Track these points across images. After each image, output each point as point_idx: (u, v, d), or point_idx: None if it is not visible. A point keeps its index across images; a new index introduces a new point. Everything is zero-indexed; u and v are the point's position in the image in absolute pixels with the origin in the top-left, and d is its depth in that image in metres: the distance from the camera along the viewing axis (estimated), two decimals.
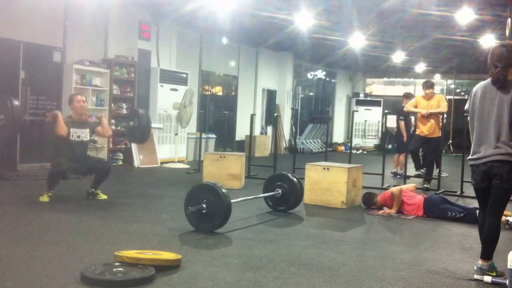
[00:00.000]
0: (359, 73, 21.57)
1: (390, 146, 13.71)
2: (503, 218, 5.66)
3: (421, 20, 10.52)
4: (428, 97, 8.82)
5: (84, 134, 6.67)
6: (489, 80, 3.97)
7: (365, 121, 19.45)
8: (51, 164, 6.88)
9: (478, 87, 4.04)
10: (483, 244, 3.97)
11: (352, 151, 12.42)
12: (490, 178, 3.90)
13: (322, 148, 16.69)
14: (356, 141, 18.87)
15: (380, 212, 6.60)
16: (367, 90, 22.08)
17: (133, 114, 7.02)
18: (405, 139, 10.12)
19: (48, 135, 6.72)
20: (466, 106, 4.14)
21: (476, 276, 3.93)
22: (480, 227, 4.08)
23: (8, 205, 6.11)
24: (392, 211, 6.52)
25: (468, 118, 4.12)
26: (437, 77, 19.77)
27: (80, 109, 6.67)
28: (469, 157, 4.05)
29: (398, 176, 10.27)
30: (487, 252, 3.93)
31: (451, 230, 5.79)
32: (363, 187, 7.50)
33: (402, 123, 10.40)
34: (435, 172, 9.22)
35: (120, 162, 10.67)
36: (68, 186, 7.66)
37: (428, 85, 8.89)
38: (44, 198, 6.47)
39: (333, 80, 19.36)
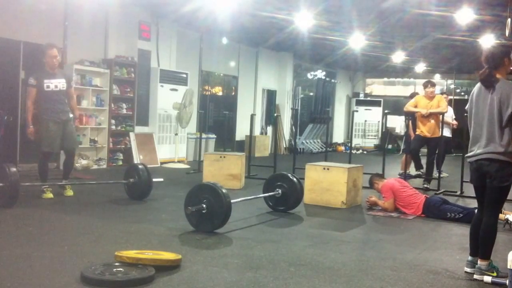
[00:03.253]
0: (359, 73, 21.56)
1: (390, 146, 13.68)
2: (503, 217, 5.67)
3: (421, 20, 10.51)
4: (428, 97, 8.81)
5: (61, 84, 6.72)
6: None
7: (365, 121, 19.44)
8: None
9: (476, 87, 4.13)
10: (480, 244, 3.97)
11: (352, 151, 12.42)
12: (484, 176, 3.96)
13: (322, 148, 16.69)
14: (356, 141, 18.86)
15: (378, 203, 6.82)
16: (367, 90, 22.06)
17: (133, 169, 6.93)
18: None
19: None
20: (467, 106, 4.20)
21: (476, 276, 3.93)
22: (472, 223, 4.13)
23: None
24: (382, 205, 6.72)
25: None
26: (437, 77, 19.77)
27: (51, 65, 6.69)
28: (466, 154, 4.15)
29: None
30: (485, 252, 3.94)
31: (451, 230, 5.79)
32: (363, 187, 7.50)
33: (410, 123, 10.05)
34: (435, 172, 9.21)
35: (120, 162, 10.66)
36: None
37: (429, 85, 8.89)
38: (48, 195, 6.51)
39: (333, 80, 19.36)
